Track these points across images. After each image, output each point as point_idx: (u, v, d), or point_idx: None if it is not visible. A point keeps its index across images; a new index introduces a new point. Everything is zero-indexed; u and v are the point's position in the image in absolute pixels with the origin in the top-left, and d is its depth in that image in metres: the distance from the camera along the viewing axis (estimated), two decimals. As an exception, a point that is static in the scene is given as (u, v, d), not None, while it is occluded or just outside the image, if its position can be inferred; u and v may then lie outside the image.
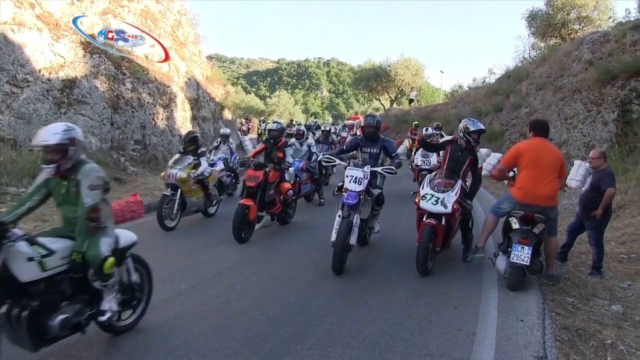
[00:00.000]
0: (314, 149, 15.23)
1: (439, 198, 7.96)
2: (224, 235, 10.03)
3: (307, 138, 15.47)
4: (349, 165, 8.37)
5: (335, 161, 8.69)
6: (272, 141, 11.25)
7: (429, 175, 8.83)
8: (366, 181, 8.04)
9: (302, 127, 16.56)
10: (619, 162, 13.62)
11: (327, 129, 20.37)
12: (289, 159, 11.14)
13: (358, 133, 16.04)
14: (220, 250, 9.26)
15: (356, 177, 8.04)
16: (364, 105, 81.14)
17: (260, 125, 39.01)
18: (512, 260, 7.06)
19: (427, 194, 8.11)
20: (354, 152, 9.12)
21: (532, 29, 34.67)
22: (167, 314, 5.93)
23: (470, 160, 8.70)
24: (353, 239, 7.78)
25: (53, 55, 15.85)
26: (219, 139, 16.49)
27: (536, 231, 7.26)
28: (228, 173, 14.74)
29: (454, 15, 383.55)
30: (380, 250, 9.39)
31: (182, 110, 23.87)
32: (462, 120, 9.02)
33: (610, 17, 31.74)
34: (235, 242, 9.54)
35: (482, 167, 9.20)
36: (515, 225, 7.45)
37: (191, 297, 6.59)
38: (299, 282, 7.43)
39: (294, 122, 38.39)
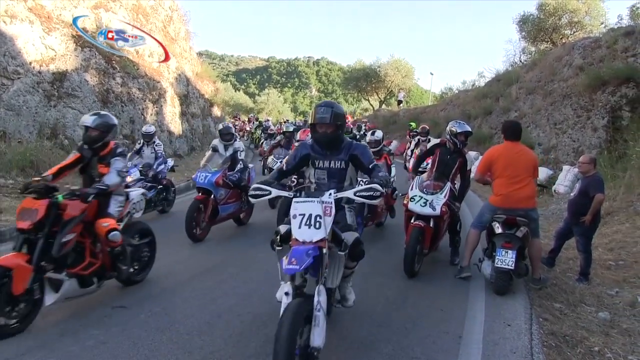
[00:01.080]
0: (241, 155, 11.20)
1: (427, 200, 7.96)
2: (211, 233, 10.00)
3: (235, 139, 11.59)
4: (295, 195, 4.92)
5: (269, 193, 4.90)
6: (89, 148, 6.51)
7: (417, 177, 8.83)
8: (330, 219, 4.55)
9: (231, 127, 12.42)
10: (609, 169, 13.66)
11: (290, 129, 15.43)
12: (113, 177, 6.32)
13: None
14: (205, 249, 9.23)
15: (309, 216, 4.56)
16: (352, 105, 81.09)
17: (251, 124, 38.33)
18: (497, 265, 7.07)
19: (415, 195, 8.12)
20: (304, 169, 5.66)
21: (523, 33, 34.81)
22: (153, 310, 5.91)
23: (460, 162, 8.73)
24: (317, 340, 4.17)
25: (44, 48, 15.76)
26: (141, 140, 13.24)
27: (519, 234, 7.24)
28: (149, 184, 11.77)
29: (445, 18, 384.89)
30: (368, 251, 9.31)
31: (172, 106, 23.79)
32: (449, 123, 9.08)
33: (602, 23, 31.89)
34: (222, 240, 9.52)
35: (471, 170, 9.10)
36: (498, 229, 7.40)
37: (176, 295, 6.56)
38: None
39: (282, 121, 38.45)
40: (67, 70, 16.45)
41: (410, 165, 14.37)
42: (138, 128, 19.49)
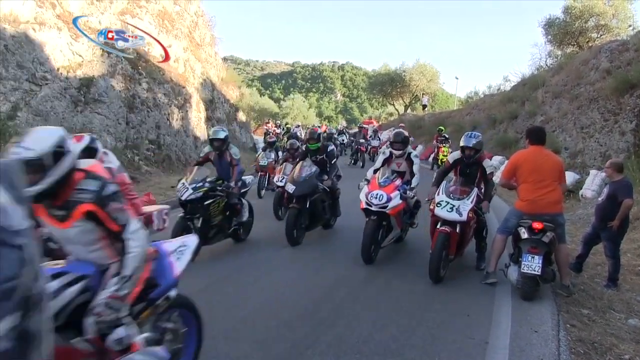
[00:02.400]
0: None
1: (454, 205, 7.90)
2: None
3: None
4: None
5: None
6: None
7: (444, 182, 8.65)
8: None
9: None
10: (637, 173, 13.47)
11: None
12: None
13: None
14: (230, 253, 9.26)
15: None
16: (377, 110, 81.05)
17: (280, 129, 38.33)
18: (523, 271, 7.00)
19: (442, 200, 8.04)
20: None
21: (549, 36, 34.41)
22: (179, 315, 5.93)
23: (480, 172, 8.78)
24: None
25: (71, 54, 15.97)
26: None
27: (545, 240, 7.12)
28: None
29: (470, 22, 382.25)
30: (393, 256, 9.33)
31: (197, 111, 23.94)
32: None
33: (629, 26, 31.48)
34: (246, 246, 9.55)
35: (492, 173, 8.91)
36: (524, 234, 7.27)
37: (201, 300, 6.54)
38: (310, 286, 7.40)
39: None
40: (93, 76, 16.65)
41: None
42: (163, 133, 19.67)
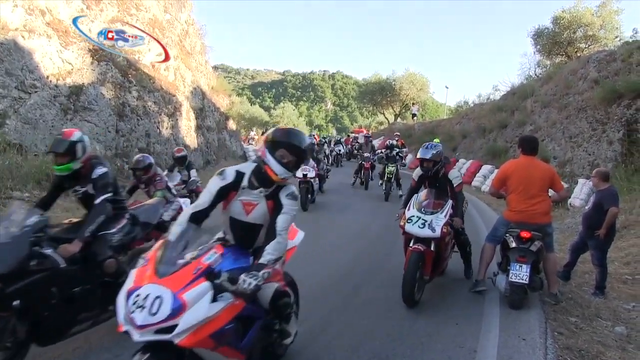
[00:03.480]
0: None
1: (426, 221, 7.26)
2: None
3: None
4: None
5: None
6: None
7: (415, 195, 8.04)
8: None
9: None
10: (625, 182, 13.60)
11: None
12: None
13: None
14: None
15: None
16: (368, 119, 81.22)
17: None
18: (511, 280, 7.04)
19: (413, 216, 7.42)
20: None
21: (538, 46, 34.67)
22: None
23: (449, 184, 8.05)
24: None
25: (61, 62, 15.91)
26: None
27: (533, 249, 7.16)
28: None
29: (460, 32, 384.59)
30: (383, 264, 9.34)
31: (187, 120, 23.91)
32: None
33: (616, 37, 31.74)
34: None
35: (460, 184, 8.10)
36: (513, 243, 7.31)
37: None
38: (300, 293, 7.39)
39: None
40: (83, 84, 16.59)
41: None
42: (153, 142, 19.62)
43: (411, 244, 7.27)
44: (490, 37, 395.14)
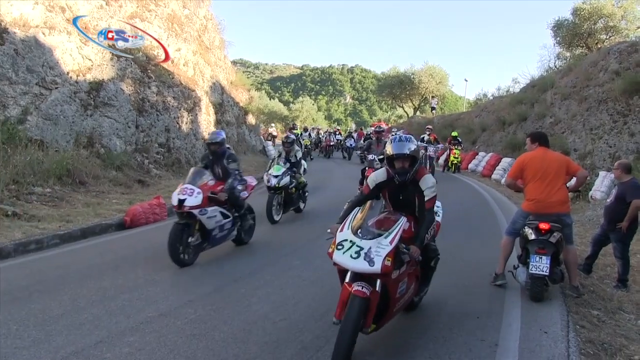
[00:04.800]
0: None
1: (361, 248, 4.94)
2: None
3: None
4: None
5: None
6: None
7: (356, 209, 5.63)
8: None
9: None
10: (646, 174, 13.45)
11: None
12: None
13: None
14: (241, 255, 9.28)
15: None
16: (387, 112, 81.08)
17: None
18: (531, 272, 7.04)
19: (345, 240, 5.10)
20: None
21: (558, 38, 34.37)
22: (189, 318, 5.96)
23: (419, 195, 5.74)
24: None
25: (81, 58, 16.03)
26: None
27: (553, 240, 7.15)
28: None
29: (479, 25, 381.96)
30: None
31: (206, 114, 24.00)
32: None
33: (638, 27, 31.38)
34: (256, 247, 9.58)
35: (434, 198, 5.68)
36: (532, 235, 7.30)
37: (212, 301, 6.60)
38: (321, 287, 7.40)
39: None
40: (103, 79, 16.71)
41: None
42: (173, 137, 19.72)
43: (347, 280, 4.98)
44: (509, 29, 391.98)
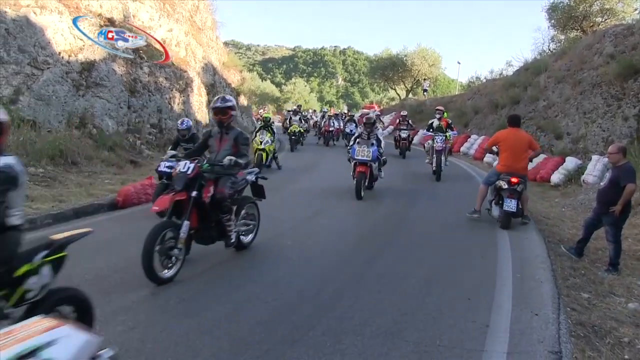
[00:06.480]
0: None
1: None
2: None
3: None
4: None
5: None
6: None
7: None
8: None
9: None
10: (639, 158, 13.48)
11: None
12: None
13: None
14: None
15: None
16: (379, 94, 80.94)
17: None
18: (505, 209, 10.27)
19: None
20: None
21: (553, 21, 34.17)
22: (181, 296, 5.97)
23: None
24: None
25: (73, 38, 15.91)
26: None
27: (519, 189, 10.34)
28: None
29: (473, 6, 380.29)
30: (393, 238, 9.36)
31: (198, 95, 23.91)
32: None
33: (635, 10, 31.20)
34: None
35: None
36: (505, 186, 10.43)
37: (205, 281, 6.61)
38: (312, 268, 7.42)
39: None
40: (95, 60, 16.61)
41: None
42: (165, 117, 19.65)
43: None
44: (503, 12, 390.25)
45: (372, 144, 13.24)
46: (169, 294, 5.99)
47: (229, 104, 7.61)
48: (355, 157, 12.93)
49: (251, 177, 8.28)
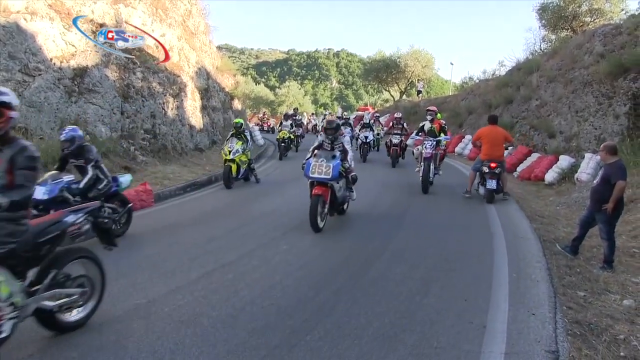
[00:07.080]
0: None
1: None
2: (232, 225, 10.06)
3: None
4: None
5: None
6: None
7: None
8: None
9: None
10: (631, 156, 13.56)
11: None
12: None
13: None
14: (229, 241, 9.22)
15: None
16: (373, 96, 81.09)
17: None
18: (487, 187, 13.36)
19: None
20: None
21: (543, 21, 34.27)
22: (177, 303, 5.94)
23: None
24: None
25: (64, 44, 15.84)
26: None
27: (497, 172, 13.40)
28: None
29: (464, 7, 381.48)
30: (390, 241, 9.36)
31: (192, 100, 23.86)
32: None
33: (622, 10, 31.36)
34: (245, 233, 9.56)
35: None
36: (486, 170, 13.41)
37: (201, 287, 6.59)
38: (308, 272, 7.42)
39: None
40: (87, 66, 16.54)
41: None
42: (159, 122, 19.59)
43: None
44: (494, 12, 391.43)
45: (335, 156, 10.27)
46: (164, 302, 5.96)
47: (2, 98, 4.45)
48: (310, 175, 9.96)
49: (79, 218, 5.40)
